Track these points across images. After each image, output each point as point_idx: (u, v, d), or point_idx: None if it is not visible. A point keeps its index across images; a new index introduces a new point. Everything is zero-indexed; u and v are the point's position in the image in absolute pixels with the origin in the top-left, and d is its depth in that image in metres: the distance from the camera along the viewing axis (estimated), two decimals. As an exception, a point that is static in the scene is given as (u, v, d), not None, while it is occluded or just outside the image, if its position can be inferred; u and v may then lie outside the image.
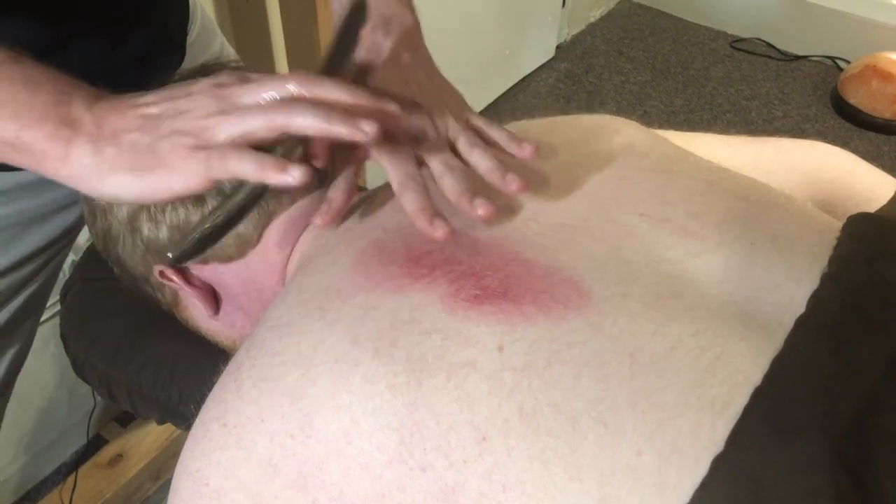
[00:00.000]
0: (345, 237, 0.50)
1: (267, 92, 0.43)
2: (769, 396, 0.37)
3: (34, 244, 0.68)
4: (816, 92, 2.15)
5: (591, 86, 2.19)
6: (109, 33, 0.64)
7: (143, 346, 0.73)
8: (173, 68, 0.72)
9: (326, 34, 1.25)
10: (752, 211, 0.49)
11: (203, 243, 0.48)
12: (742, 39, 2.34)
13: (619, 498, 0.35)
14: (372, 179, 0.94)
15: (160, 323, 0.69)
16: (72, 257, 0.95)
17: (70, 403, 1.26)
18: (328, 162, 0.48)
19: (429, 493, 0.38)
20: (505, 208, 0.49)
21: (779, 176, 0.66)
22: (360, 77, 0.52)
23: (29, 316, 0.74)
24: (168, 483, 0.59)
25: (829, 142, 0.70)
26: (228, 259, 0.57)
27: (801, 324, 0.41)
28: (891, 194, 0.60)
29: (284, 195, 0.56)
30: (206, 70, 0.60)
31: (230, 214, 0.48)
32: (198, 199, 0.55)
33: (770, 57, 2.29)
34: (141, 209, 0.57)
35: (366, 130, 0.42)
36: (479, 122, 0.56)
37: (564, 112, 2.07)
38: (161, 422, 0.76)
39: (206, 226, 0.48)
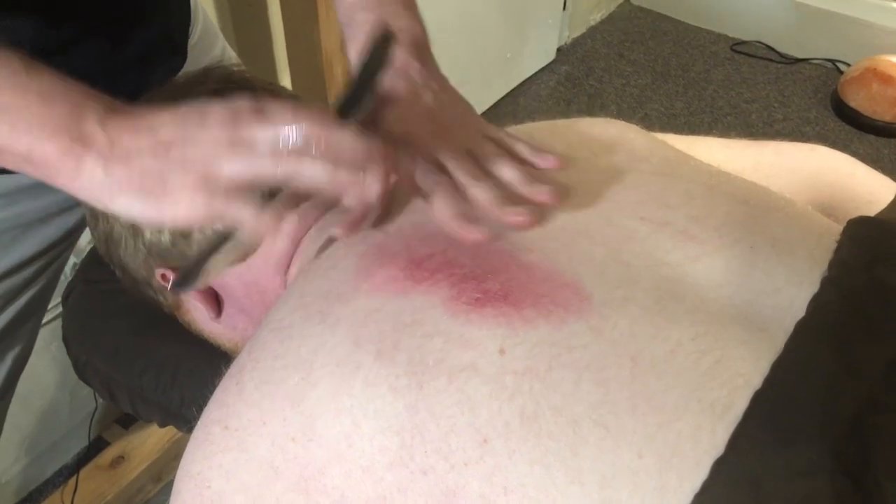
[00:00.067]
0: (346, 240, 0.51)
1: (281, 132, 0.42)
2: (769, 400, 0.37)
3: (34, 247, 0.68)
4: (817, 95, 2.15)
5: (592, 89, 2.20)
6: (110, 35, 0.64)
7: (144, 349, 0.73)
8: (175, 71, 0.72)
9: (328, 37, 1.25)
10: (752, 214, 0.49)
11: (206, 275, 0.47)
12: (742, 42, 2.35)
13: (620, 501, 0.35)
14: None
15: (162, 325, 0.69)
16: (73, 260, 0.95)
17: (71, 405, 1.27)
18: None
19: (430, 495, 0.38)
20: None
21: (779, 179, 0.66)
22: (380, 111, 0.51)
23: (30, 318, 0.74)
24: (169, 485, 0.59)
25: (829, 145, 0.71)
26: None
27: (802, 327, 0.41)
28: (891, 197, 0.60)
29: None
30: (209, 74, 0.60)
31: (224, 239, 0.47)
32: None
33: (770, 60, 2.29)
34: None
35: (370, 196, 0.42)
36: (499, 134, 0.56)
37: (565, 115, 2.08)
38: (163, 424, 0.77)
39: (212, 257, 0.46)
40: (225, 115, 0.42)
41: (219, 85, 0.58)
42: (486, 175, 0.51)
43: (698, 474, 0.35)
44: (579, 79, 2.23)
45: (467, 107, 0.57)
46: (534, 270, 0.44)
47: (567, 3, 2.24)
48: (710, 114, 2.09)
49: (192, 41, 0.75)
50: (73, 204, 0.69)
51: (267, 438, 0.42)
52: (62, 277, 0.78)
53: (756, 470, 0.35)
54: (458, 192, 0.49)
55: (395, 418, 0.39)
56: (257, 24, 1.31)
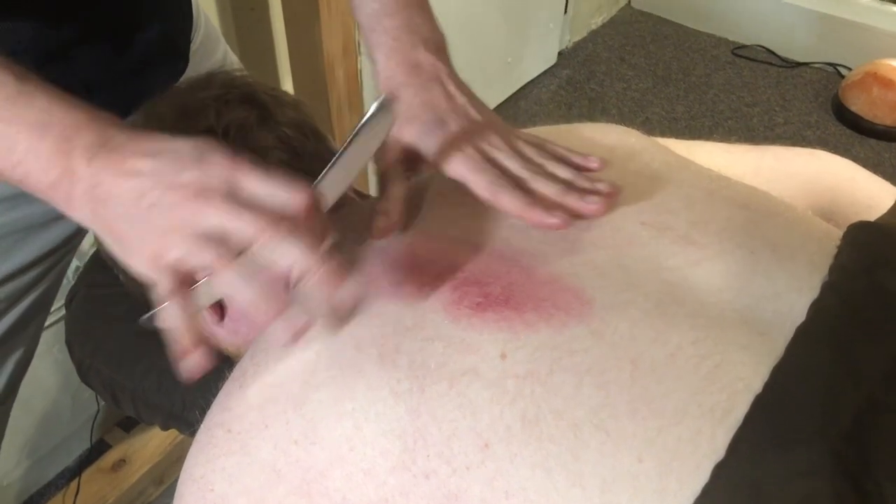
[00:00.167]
0: (347, 246, 0.51)
1: (265, 201, 0.40)
2: (769, 404, 0.37)
3: (36, 251, 0.69)
4: (818, 99, 2.15)
5: (593, 92, 2.20)
6: (112, 39, 0.64)
7: (147, 352, 0.73)
8: (177, 75, 0.72)
9: (330, 41, 1.26)
10: (752, 219, 0.49)
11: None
12: (744, 46, 2.35)
13: (621, 504, 0.36)
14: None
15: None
16: (76, 263, 0.95)
17: (73, 408, 1.27)
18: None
19: (432, 499, 0.38)
20: (506, 216, 0.49)
21: (779, 184, 0.66)
22: (419, 117, 0.52)
23: (32, 322, 0.74)
24: (171, 488, 0.59)
25: (830, 149, 0.71)
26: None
27: (802, 332, 0.41)
28: (891, 202, 0.60)
29: None
30: (211, 79, 0.60)
31: None
32: None
33: (771, 64, 2.29)
34: None
35: (342, 297, 0.41)
36: (533, 138, 0.56)
37: (566, 119, 2.08)
38: (165, 427, 0.77)
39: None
40: (211, 165, 0.40)
41: (221, 90, 0.58)
42: (542, 171, 0.52)
43: (698, 478, 0.35)
44: (580, 83, 2.24)
45: (491, 112, 0.58)
46: (535, 274, 0.45)
47: (568, 7, 2.24)
48: (711, 118, 2.09)
49: (194, 46, 0.75)
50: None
51: (269, 442, 0.42)
52: (65, 281, 0.79)
53: (756, 474, 0.35)
54: (518, 185, 0.50)
55: (397, 422, 0.39)
56: (259, 28, 1.31)
